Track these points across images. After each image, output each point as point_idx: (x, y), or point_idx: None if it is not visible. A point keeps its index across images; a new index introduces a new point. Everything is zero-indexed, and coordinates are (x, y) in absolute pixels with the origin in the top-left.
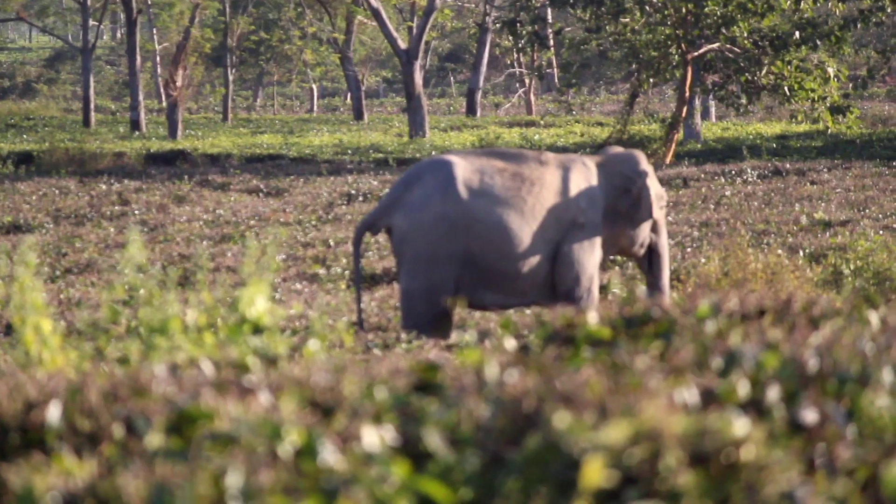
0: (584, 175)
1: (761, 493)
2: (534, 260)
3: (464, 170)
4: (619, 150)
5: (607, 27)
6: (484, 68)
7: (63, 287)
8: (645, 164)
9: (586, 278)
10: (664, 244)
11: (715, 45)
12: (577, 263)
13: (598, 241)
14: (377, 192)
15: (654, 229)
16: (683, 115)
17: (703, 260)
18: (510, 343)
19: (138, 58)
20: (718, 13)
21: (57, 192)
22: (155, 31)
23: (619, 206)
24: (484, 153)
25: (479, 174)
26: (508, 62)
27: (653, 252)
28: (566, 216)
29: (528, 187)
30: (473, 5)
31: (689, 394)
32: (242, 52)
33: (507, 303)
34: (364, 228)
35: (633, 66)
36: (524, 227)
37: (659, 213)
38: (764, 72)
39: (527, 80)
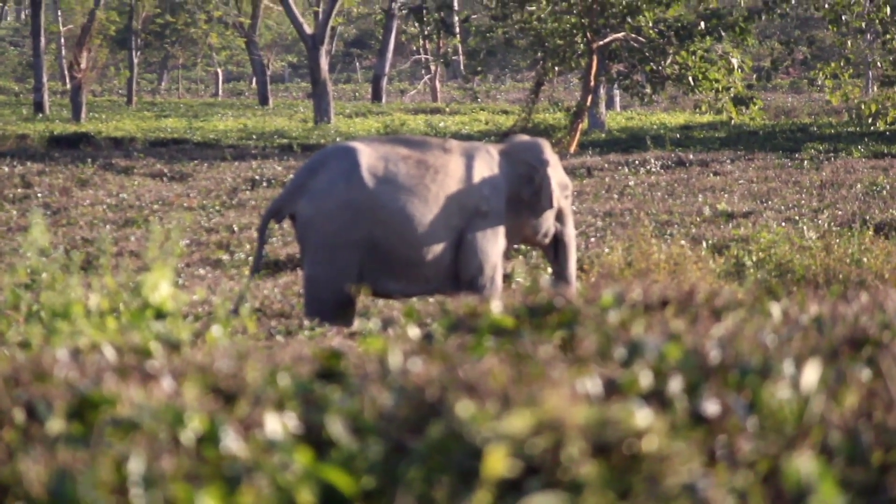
0: (488, 163)
1: (662, 484)
2: (437, 248)
3: (368, 157)
4: (523, 138)
5: (513, 15)
6: (390, 55)
7: None
8: (548, 153)
9: (489, 267)
10: (570, 234)
11: (620, 35)
12: (480, 252)
13: (501, 229)
14: (281, 178)
15: (560, 219)
16: (588, 104)
17: (606, 250)
18: (413, 331)
19: (42, 39)
20: (624, 3)
21: None
22: (60, 13)
23: (522, 194)
24: (388, 140)
25: (384, 161)
26: (414, 49)
27: (559, 242)
28: (469, 204)
29: (432, 175)
30: None
31: (592, 384)
32: (147, 35)
33: (411, 291)
34: (269, 216)
35: (539, 54)
36: (428, 215)
37: (563, 202)
38: (668, 62)
39: (432, 67)
